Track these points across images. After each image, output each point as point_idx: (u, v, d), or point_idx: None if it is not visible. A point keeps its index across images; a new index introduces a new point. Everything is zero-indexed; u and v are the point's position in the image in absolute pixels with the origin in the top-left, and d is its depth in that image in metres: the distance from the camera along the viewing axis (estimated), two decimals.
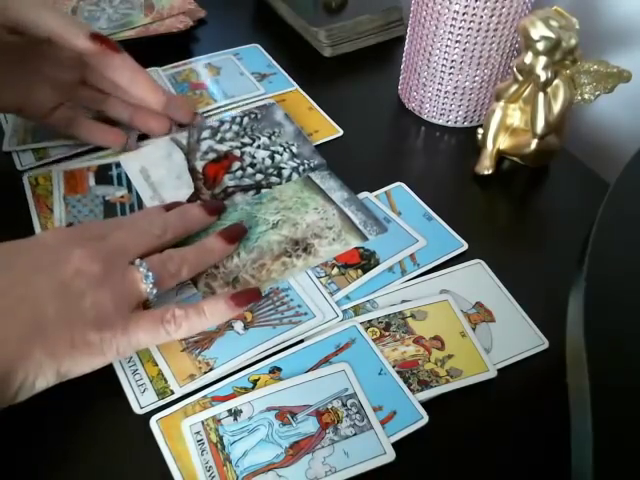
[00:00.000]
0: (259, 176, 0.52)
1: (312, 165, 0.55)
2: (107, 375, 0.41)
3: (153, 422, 0.40)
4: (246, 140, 0.55)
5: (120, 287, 0.41)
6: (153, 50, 0.68)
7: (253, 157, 0.53)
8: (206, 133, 0.55)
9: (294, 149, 0.55)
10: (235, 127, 0.56)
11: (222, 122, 0.56)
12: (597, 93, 0.55)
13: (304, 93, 0.67)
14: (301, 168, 0.54)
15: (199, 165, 0.53)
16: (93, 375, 0.40)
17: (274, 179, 0.52)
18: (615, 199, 0.37)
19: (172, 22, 0.72)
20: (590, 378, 0.29)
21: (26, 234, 0.48)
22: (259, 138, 0.55)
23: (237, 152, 0.53)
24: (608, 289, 0.34)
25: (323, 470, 0.38)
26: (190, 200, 0.51)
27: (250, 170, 0.52)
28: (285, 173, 0.53)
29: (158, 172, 0.53)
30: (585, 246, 0.34)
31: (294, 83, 0.68)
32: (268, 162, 0.53)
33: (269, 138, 0.56)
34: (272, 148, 0.55)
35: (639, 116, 0.70)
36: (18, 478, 0.39)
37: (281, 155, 0.54)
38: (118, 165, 0.56)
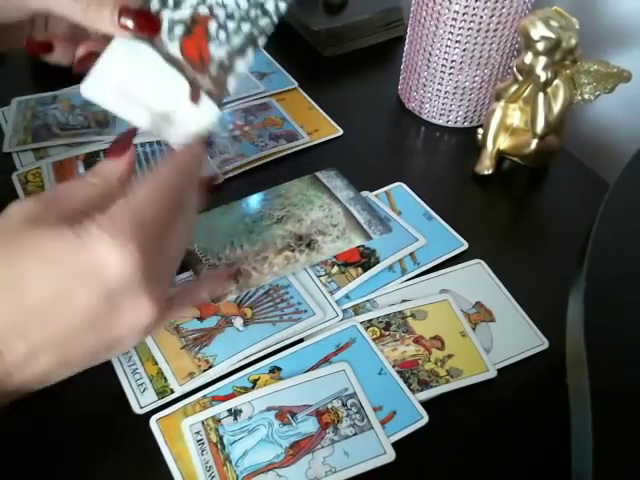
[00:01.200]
0: (245, 26, 0.42)
1: None
2: (107, 375, 0.41)
3: (153, 422, 0.40)
4: None
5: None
6: None
7: (224, 5, 0.42)
8: (155, 3, 0.40)
9: None
10: None
11: None
12: (597, 93, 0.55)
13: (304, 92, 0.67)
14: None
15: (173, 48, 0.40)
16: (93, 375, 0.40)
17: (263, 22, 0.43)
18: (615, 199, 0.37)
19: None
20: (590, 378, 0.29)
21: None
22: None
23: (203, 9, 0.41)
24: (608, 289, 0.34)
25: (323, 470, 0.38)
26: (194, 98, 0.40)
27: (232, 24, 0.42)
28: (270, 8, 0.43)
29: (138, 85, 0.40)
30: (585, 246, 0.34)
31: (294, 81, 0.68)
32: (244, 4, 0.42)
33: None
34: None
35: (639, 116, 0.70)
36: (17, 477, 0.39)
37: None
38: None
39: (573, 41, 0.52)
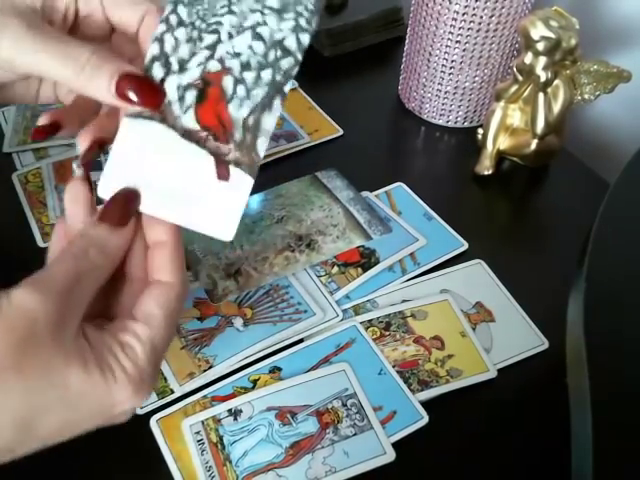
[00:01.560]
0: (266, 74, 0.35)
1: (311, 6, 0.38)
2: None
3: (153, 422, 0.40)
4: (208, 40, 0.35)
5: None
6: None
7: (236, 54, 0.35)
8: (158, 70, 0.33)
9: (273, 2, 0.36)
10: (180, 32, 0.35)
11: (158, 39, 0.34)
12: (597, 93, 0.55)
13: (304, 92, 0.67)
14: (302, 21, 0.37)
15: (188, 120, 0.33)
16: None
17: (286, 63, 0.35)
18: (615, 199, 0.37)
19: None
20: (590, 378, 0.29)
21: (21, 230, 0.48)
22: (220, 24, 0.36)
23: (214, 65, 0.34)
24: (608, 289, 0.34)
25: (323, 470, 0.38)
26: (221, 175, 0.33)
27: (250, 75, 0.34)
28: (291, 45, 0.35)
29: (159, 175, 0.34)
30: (585, 246, 0.34)
31: (294, 81, 0.68)
32: (260, 47, 0.35)
33: (231, 13, 0.36)
34: (246, 24, 0.36)
35: (639, 116, 0.70)
36: (17, 477, 0.39)
37: (266, 24, 0.36)
38: (106, 152, 0.56)
39: (573, 41, 0.52)
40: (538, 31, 0.51)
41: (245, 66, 0.35)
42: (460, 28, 0.58)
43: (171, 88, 0.34)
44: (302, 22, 0.37)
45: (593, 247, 0.34)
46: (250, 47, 0.35)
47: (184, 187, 0.33)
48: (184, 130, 0.34)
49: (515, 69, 0.55)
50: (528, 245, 0.54)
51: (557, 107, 0.55)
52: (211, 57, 0.35)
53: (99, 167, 0.56)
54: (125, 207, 0.32)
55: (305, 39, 0.36)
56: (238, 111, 0.34)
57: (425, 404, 0.41)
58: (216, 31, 0.35)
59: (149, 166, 0.33)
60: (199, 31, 0.35)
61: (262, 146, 0.33)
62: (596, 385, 0.29)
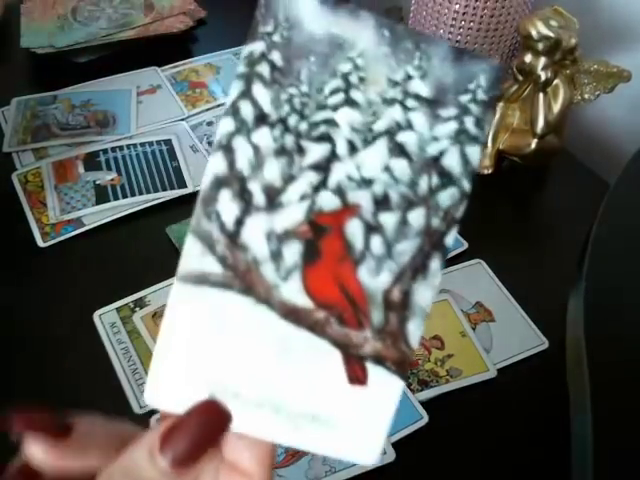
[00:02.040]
0: (416, 215, 0.23)
1: (483, 95, 0.22)
2: (107, 374, 0.41)
3: (153, 422, 0.40)
4: (314, 153, 0.21)
5: None
6: (153, 50, 0.68)
7: (367, 183, 0.22)
8: (228, 203, 0.20)
9: (420, 87, 0.22)
10: (262, 136, 0.21)
11: (223, 146, 0.20)
12: (597, 93, 0.55)
13: None
14: (470, 122, 0.22)
15: (293, 292, 0.21)
16: (93, 374, 0.40)
17: (446, 196, 0.24)
18: (615, 199, 0.37)
19: (172, 22, 0.72)
20: (590, 377, 0.29)
21: (21, 230, 0.48)
22: (333, 124, 0.21)
23: (329, 200, 0.21)
24: (608, 289, 0.34)
25: (323, 470, 0.38)
26: (356, 376, 0.22)
27: (390, 218, 0.22)
28: (452, 165, 0.23)
29: (241, 367, 0.21)
30: (585, 247, 0.35)
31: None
32: (404, 169, 0.22)
33: (349, 104, 0.21)
34: (378, 126, 0.22)
35: (639, 116, 0.70)
36: None
37: (411, 128, 0.22)
38: (106, 152, 0.56)
39: (573, 41, 0.52)
40: (538, 31, 0.52)
41: (381, 202, 0.22)
42: (460, 28, 0.58)
43: (256, 237, 0.21)
44: (470, 124, 0.22)
45: (593, 247, 0.34)
46: (387, 168, 0.22)
47: (292, 393, 0.21)
48: (287, 307, 0.21)
49: (515, 69, 0.55)
50: (528, 245, 0.54)
51: (557, 107, 0.55)
52: (323, 185, 0.21)
53: (98, 167, 0.56)
54: (207, 436, 0.19)
55: (474, 155, 0.22)
56: (375, 278, 0.22)
57: (425, 404, 0.41)
58: (327, 137, 0.21)
59: (228, 360, 0.21)
60: (296, 136, 0.21)
61: (416, 332, 0.23)
62: (596, 384, 0.29)
